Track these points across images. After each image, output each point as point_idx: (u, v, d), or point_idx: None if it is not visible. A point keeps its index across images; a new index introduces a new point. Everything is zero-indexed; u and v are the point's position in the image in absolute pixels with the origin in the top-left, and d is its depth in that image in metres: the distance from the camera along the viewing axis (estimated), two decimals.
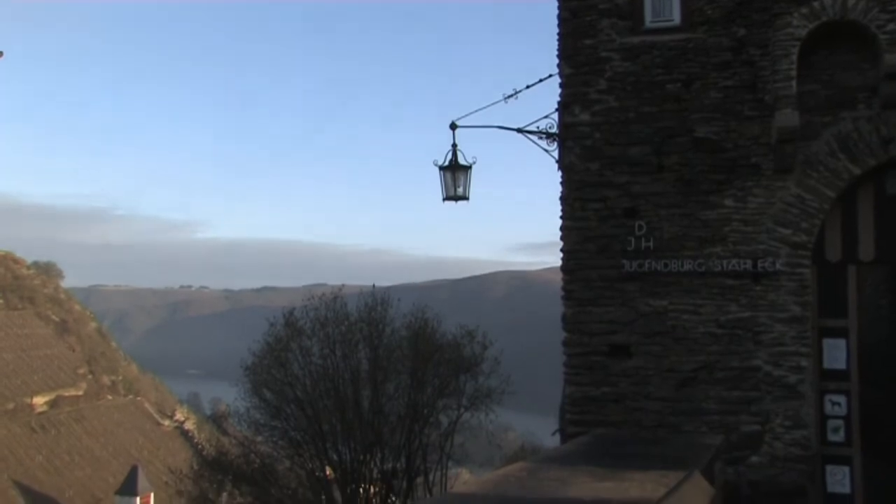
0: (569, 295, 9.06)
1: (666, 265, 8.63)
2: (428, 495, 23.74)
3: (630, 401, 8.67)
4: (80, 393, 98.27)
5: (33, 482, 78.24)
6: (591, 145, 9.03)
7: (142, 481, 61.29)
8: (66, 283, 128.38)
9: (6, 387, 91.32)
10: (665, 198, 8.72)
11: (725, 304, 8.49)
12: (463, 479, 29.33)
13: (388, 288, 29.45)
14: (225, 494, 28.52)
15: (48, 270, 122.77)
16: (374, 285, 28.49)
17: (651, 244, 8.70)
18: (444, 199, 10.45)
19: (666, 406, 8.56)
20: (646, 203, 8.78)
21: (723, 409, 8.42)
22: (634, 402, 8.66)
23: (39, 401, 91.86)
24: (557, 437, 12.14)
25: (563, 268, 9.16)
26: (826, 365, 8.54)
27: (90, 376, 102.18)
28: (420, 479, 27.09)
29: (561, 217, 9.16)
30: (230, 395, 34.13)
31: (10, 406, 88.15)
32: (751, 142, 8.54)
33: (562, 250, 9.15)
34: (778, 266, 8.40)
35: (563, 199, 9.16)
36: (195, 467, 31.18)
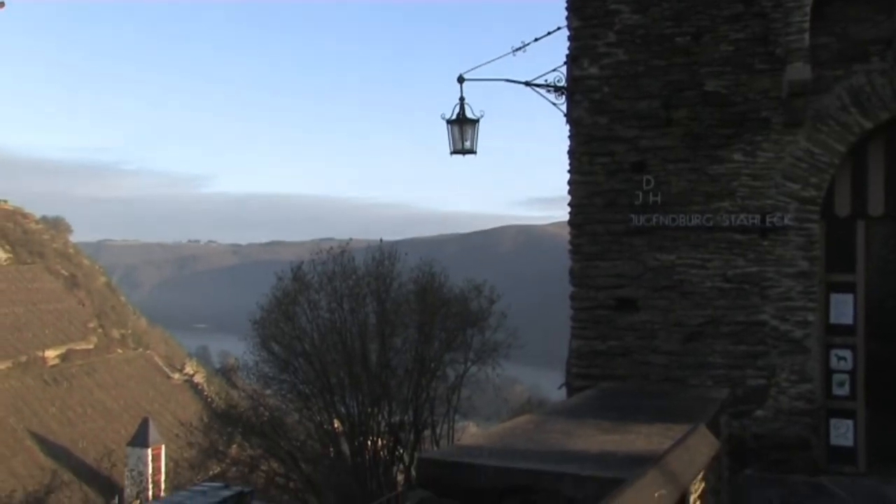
0: (576, 249, 9.05)
1: (673, 220, 8.60)
2: (435, 448, 23.95)
3: (636, 355, 8.70)
4: (91, 346, 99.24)
5: (48, 433, 79.44)
6: (599, 99, 8.95)
7: (153, 433, 62.09)
8: (75, 237, 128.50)
9: (19, 340, 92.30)
10: (673, 152, 8.66)
11: (733, 258, 8.47)
12: (470, 432, 29.59)
13: (396, 242, 29.44)
14: (234, 446, 28.86)
15: (57, 225, 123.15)
16: (381, 240, 28.52)
17: (659, 199, 8.66)
18: (451, 153, 10.40)
19: (672, 360, 8.58)
20: (654, 157, 8.72)
21: (729, 363, 8.44)
22: (641, 355, 8.69)
23: (51, 354, 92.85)
24: (563, 391, 12.22)
25: (571, 222, 9.14)
26: (833, 320, 8.53)
27: (100, 330, 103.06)
28: (427, 432, 27.35)
29: (569, 171, 9.12)
30: (239, 349, 34.37)
31: (23, 359, 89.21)
32: (761, 96, 8.44)
33: (569, 204, 9.12)
34: (786, 221, 8.36)
35: (570, 153, 9.11)
36: (205, 420, 31.52)
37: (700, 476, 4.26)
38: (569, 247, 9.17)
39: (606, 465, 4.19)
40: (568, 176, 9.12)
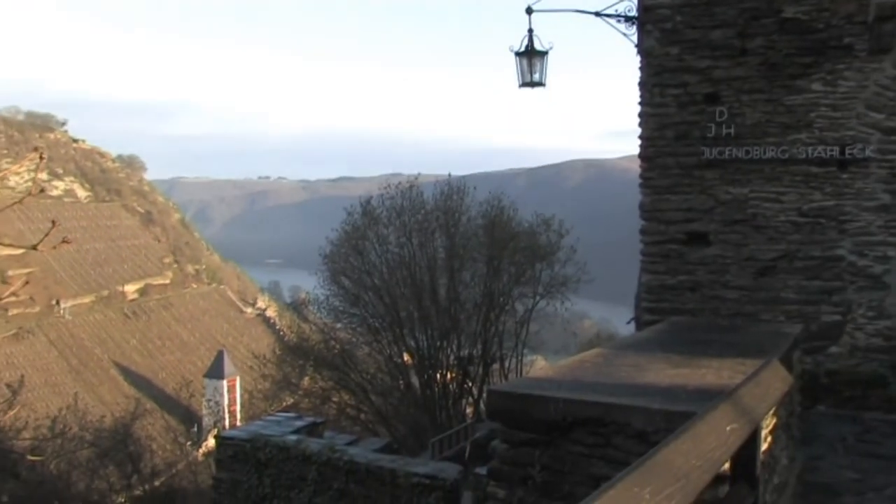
0: (646, 183, 8.92)
1: (747, 152, 8.39)
2: (504, 381, 24.17)
3: (707, 289, 8.60)
4: (167, 281, 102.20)
5: (130, 364, 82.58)
6: (671, 28, 8.71)
7: (228, 365, 63.93)
8: (149, 175, 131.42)
9: (100, 275, 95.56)
10: (748, 83, 8.41)
11: (809, 192, 8.25)
12: (538, 365, 29.80)
13: (464, 177, 29.41)
14: (306, 379, 29.57)
15: (132, 163, 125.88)
16: (449, 174, 28.55)
17: (732, 131, 8.45)
18: (520, 86, 10.26)
19: (743, 295, 8.47)
20: (727, 88, 8.49)
21: (802, 298, 8.29)
22: (711, 290, 8.59)
23: (130, 289, 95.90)
24: (632, 326, 12.18)
25: (641, 155, 9.00)
26: None
27: (175, 265, 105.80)
28: (496, 366, 27.64)
29: (639, 104, 8.95)
30: (309, 283, 35.01)
31: (105, 293, 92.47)
32: (844, 21, 8.10)
33: (640, 137, 8.97)
34: (868, 153, 8.09)
35: (641, 85, 8.92)
36: (277, 352, 32.32)
37: (772, 411, 4.23)
38: (639, 180, 9.05)
39: (676, 399, 4.19)
40: (638, 108, 8.95)
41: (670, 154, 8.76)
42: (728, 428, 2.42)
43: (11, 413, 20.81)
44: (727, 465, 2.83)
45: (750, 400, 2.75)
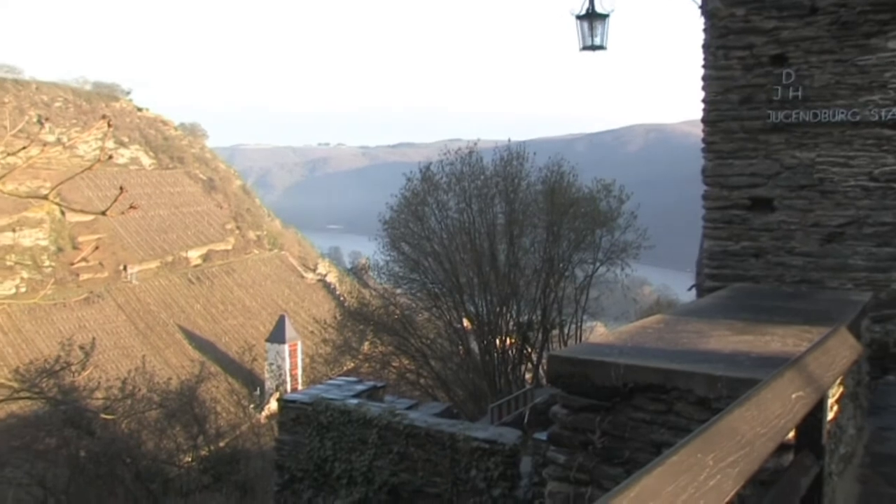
0: (709, 147, 8.76)
1: (815, 115, 8.17)
2: (563, 347, 24.17)
3: (771, 255, 8.44)
4: (229, 247, 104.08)
5: (195, 328, 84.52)
6: None
7: (289, 330, 64.97)
8: (211, 142, 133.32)
9: (164, 241, 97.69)
10: (817, 43, 8.16)
11: (881, 155, 8.00)
12: (598, 332, 29.72)
13: (524, 142, 29.24)
14: (366, 343, 29.93)
15: (193, 131, 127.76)
16: (509, 139, 28.46)
17: (799, 93, 8.22)
18: (581, 49, 10.16)
19: (809, 262, 8.29)
20: (795, 49, 8.25)
21: (871, 265, 8.09)
22: (776, 256, 8.43)
23: (193, 254, 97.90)
24: (693, 292, 12.06)
25: (704, 119, 8.83)
26: None
27: (237, 231, 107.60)
28: (555, 332, 27.64)
29: (703, 67, 8.76)
30: (369, 249, 35.31)
31: (169, 259, 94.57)
32: None
33: (703, 101, 8.80)
34: None
35: (705, 47, 8.73)
36: (338, 317, 32.75)
37: (839, 380, 4.17)
38: (701, 145, 8.89)
39: (739, 366, 4.15)
40: (702, 72, 8.77)
41: (734, 118, 8.57)
42: (793, 396, 2.39)
43: (85, 374, 21.57)
44: (792, 434, 2.79)
45: (816, 368, 2.71)
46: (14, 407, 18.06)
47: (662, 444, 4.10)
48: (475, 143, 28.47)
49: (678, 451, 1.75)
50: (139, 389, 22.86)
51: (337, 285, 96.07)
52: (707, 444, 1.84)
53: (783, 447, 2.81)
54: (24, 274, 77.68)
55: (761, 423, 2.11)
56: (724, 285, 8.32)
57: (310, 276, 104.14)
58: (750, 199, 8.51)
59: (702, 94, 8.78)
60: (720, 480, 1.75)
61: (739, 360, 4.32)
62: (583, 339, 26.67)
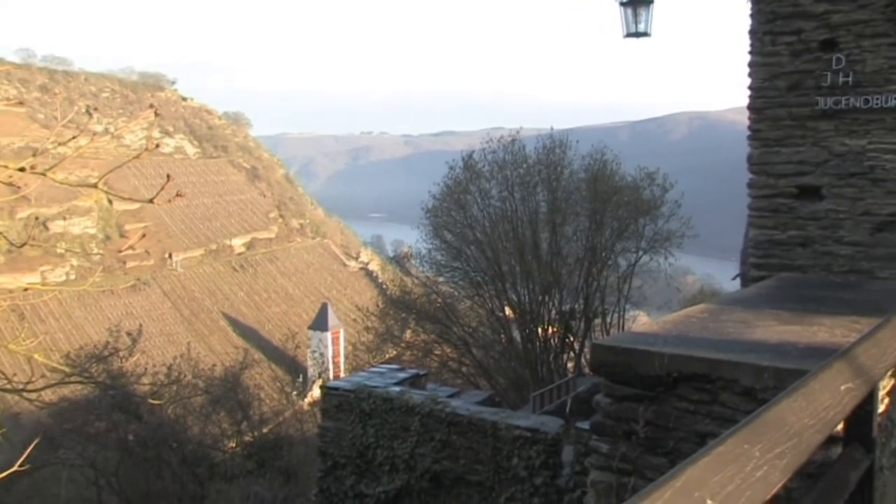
0: (755, 135, 8.63)
1: (867, 101, 8.00)
2: (605, 336, 24.06)
3: (819, 245, 8.30)
4: (273, 235, 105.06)
5: (238, 315, 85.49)
6: None
7: (332, 318, 65.43)
8: (255, 131, 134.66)
9: (209, 229, 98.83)
10: (870, 26, 7.98)
11: None
12: (640, 321, 29.51)
13: (566, 130, 29.07)
14: (409, 331, 30.04)
15: (237, 120, 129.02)
16: (551, 127, 28.30)
17: (850, 79, 8.05)
18: (624, 36, 10.05)
19: (859, 251, 8.14)
20: (846, 34, 8.08)
21: None
22: (823, 246, 8.28)
23: (237, 243, 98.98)
24: (738, 282, 11.91)
25: (750, 106, 8.70)
26: None
27: (280, 220, 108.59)
28: (597, 321, 27.51)
29: (749, 53, 8.62)
30: (412, 237, 35.39)
31: (213, 247, 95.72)
32: None
33: (749, 88, 8.66)
34: None
35: (751, 33, 8.59)
36: (380, 306, 32.90)
37: (890, 372, 4.09)
38: (747, 133, 8.76)
39: (786, 356, 4.09)
40: (748, 58, 8.64)
41: (781, 105, 8.43)
42: (843, 387, 2.35)
43: (133, 360, 21.98)
44: (840, 427, 2.75)
45: (866, 359, 2.66)
46: (66, 391, 18.46)
47: (707, 435, 4.07)
48: (518, 132, 28.36)
49: (724, 442, 1.73)
50: (185, 375, 23.21)
51: (379, 273, 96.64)
52: (754, 435, 1.82)
53: (831, 440, 2.77)
54: (74, 261, 79.23)
55: (809, 414, 2.08)
56: (769, 275, 8.21)
57: (352, 264, 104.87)
58: (797, 188, 8.38)
59: (748, 81, 8.65)
60: (767, 472, 1.73)
61: (786, 350, 4.27)
62: (625, 328, 26.49)
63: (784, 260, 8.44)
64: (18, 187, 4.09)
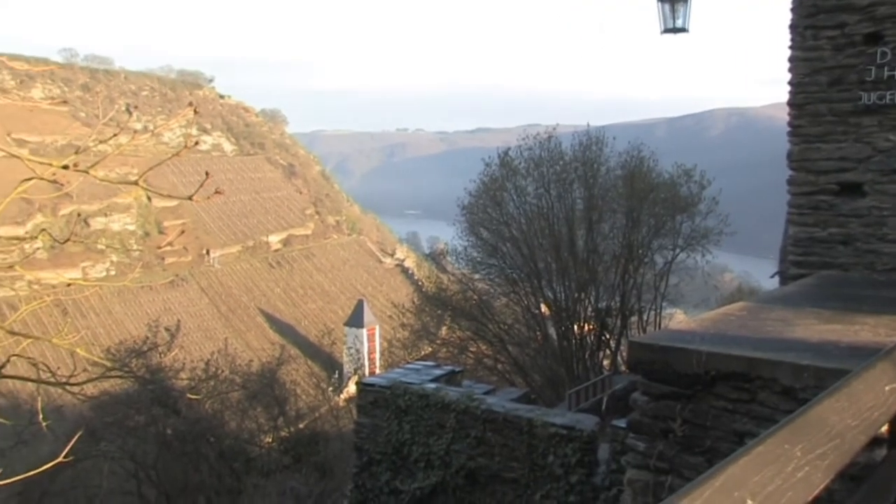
0: (796, 131, 8.52)
1: None
2: (642, 334, 23.90)
3: (861, 242, 8.17)
4: (309, 232, 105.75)
5: (275, 311, 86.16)
6: None
7: (367, 314, 65.70)
8: (291, 129, 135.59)
9: (245, 225, 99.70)
10: None
11: None
12: (677, 319, 29.30)
13: (603, 127, 28.90)
14: (444, 328, 30.07)
15: (274, 117, 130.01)
16: (588, 124, 28.16)
17: None
18: (661, 32, 9.97)
19: None
20: (893, 26, 7.92)
21: None
22: (866, 243, 8.15)
23: (274, 239, 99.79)
24: (776, 280, 11.77)
25: (790, 102, 8.58)
26: None
27: (317, 216, 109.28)
28: (634, 318, 27.33)
29: (790, 47, 8.51)
30: (447, 234, 35.44)
31: (251, 243, 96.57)
32: None
33: (789, 83, 8.55)
34: None
35: (792, 27, 8.47)
36: (416, 302, 32.95)
37: None
38: (787, 129, 8.65)
39: (827, 355, 4.04)
40: (788, 53, 8.52)
41: (823, 100, 8.31)
42: (887, 388, 2.31)
43: (171, 355, 22.24)
44: (885, 428, 2.71)
45: None
46: (106, 385, 18.74)
47: (745, 434, 4.03)
48: (554, 128, 28.24)
49: (764, 441, 1.72)
50: (222, 371, 23.45)
51: (415, 270, 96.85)
52: (795, 435, 1.80)
53: (876, 441, 2.73)
54: (114, 258, 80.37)
55: (852, 415, 2.04)
56: (809, 273, 8.10)
57: (388, 260, 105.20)
58: (838, 184, 8.25)
59: (788, 77, 8.53)
60: (809, 472, 1.71)
61: (827, 349, 4.21)
62: (662, 326, 26.30)
63: (825, 258, 8.32)
64: (62, 184, 4.15)
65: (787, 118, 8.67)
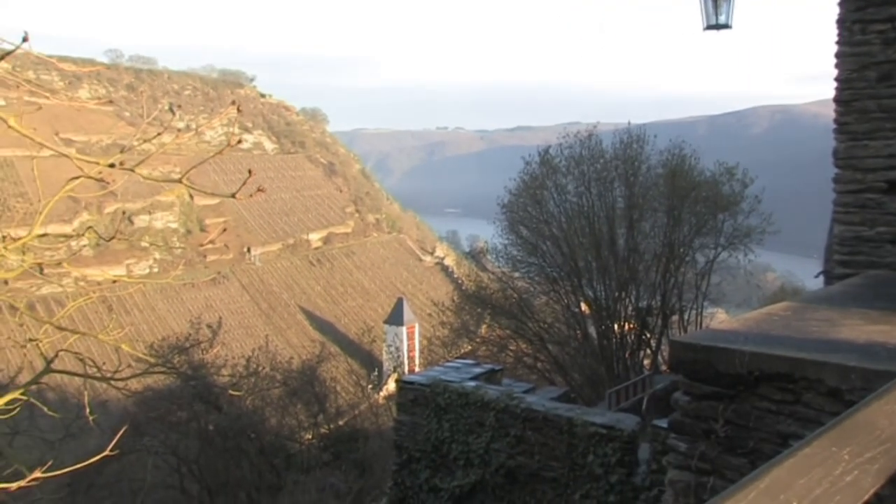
0: (842, 128, 8.38)
1: None
2: (683, 333, 23.70)
3: None
4: (349, 230, 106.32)
5: (315, 308, 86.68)
6: None
7: (407, 312, 65.89)
8: (331, 127, 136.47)
9: (286, 223, 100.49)
10: None
11: None
12: (719, 318, 29.01)
13: (644, 125, 28.73)
14: (484, 326, 30.08)
15: (315, 116, 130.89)
16: (629, 122, 28.04)
17: None
18: (704, 29, 9.85)
19: None
20: None
21: None
22: None
23: (314, 237, 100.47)
24: (821, 280, 11.60)
25: (837, 99, 8.44)
26: None
27: (357, 215, 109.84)
28: (675, 318, 27.12)
29: (837, 43, 8.36)
30: (487, 233, 35.44)
31: (291, 241, 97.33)
32: None
33: (835, 80, 8.41)
34: None
35: (839, 22, 8.33)
36: (456, 301, 32.99)
37: None
38: (832, 126, 8.51)
39: (875, 357, 3.97)
40: (834, 48, 8.39)
41: (871, 97, 8.16)
42: None
43: (213, 352, 22.52)
44: None
45: None
46: (150, 380, 19.04)
47: (789, 436, 3.98)
48: (594, 126, 28.13)
49: (811, 444, 1.69)
50: (263, 368, 23.66)
51: (455, 268, 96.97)
52: (842, 438, 1.77)
53: None
54: (157, 255, 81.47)
55: None
56: (856, 272, 7.97)
57: (428, 259, 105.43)
58: (886, 182, 8.11)
59: (834, 73, 8.40)
60: (857, 476, 1.68)
61: (875, 350, 4.14)
62: (703, 325, 26.06)
63: (872, 257, 8.18)
64: (107, 183, 4.21)
65: (832, 115, 8.54)
